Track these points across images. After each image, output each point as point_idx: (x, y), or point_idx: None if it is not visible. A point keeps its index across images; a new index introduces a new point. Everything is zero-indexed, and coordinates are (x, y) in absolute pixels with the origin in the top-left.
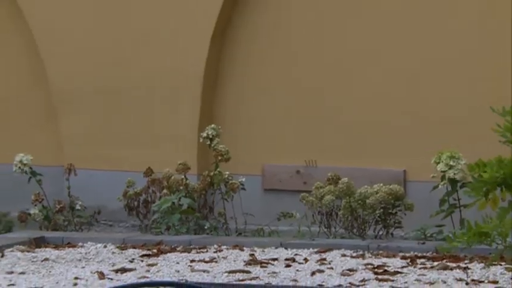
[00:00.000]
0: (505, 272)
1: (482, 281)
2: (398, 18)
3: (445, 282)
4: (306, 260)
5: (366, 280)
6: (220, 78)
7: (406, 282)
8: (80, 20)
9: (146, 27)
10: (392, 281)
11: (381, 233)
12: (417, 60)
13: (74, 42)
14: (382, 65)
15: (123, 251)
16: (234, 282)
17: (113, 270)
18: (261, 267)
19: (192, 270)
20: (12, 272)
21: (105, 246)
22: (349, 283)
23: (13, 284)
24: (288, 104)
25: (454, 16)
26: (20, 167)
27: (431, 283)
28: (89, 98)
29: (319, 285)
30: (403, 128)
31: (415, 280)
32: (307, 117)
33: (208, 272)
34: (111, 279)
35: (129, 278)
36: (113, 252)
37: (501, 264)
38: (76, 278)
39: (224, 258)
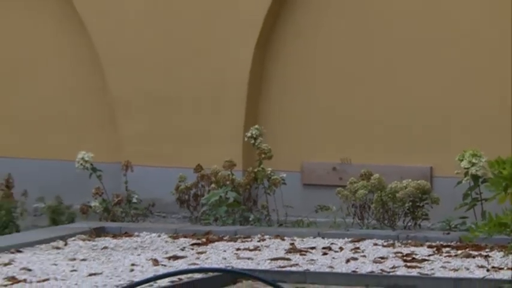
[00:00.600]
0: None
1: (502, 268)
2: (428, 25)
3: (467, 269)
4: (341, 248)
5: (396, 267)
6: (263, 82)
7: (432, 269)
8: (136, 30)
9: (195, 35)
10: (420, 268)
11: (409, 224)
12: (447, 68)
13: (130, 51)
14: (414, 70)
15: (175, 240)
16: (276, 269)
17: (166, 258)
18: (300, 255)
19: (238, 258)
20: (74, 259)
21: (158, 236)
22: (381, 270)
23: (75, 270)
24: (325, 105)
25: (481, 24)
26: (82, 164)
27: (455, 270)
28: (144, 102)
29: (353, 271)
30: (430, 129)
31: (441, 267)
32: (343, 118)
33: (252, 259)
34: (165, 265)
35: (181, 265)
36: (166, 241)
37: None
38: (132, 265)
39: (267, 246)
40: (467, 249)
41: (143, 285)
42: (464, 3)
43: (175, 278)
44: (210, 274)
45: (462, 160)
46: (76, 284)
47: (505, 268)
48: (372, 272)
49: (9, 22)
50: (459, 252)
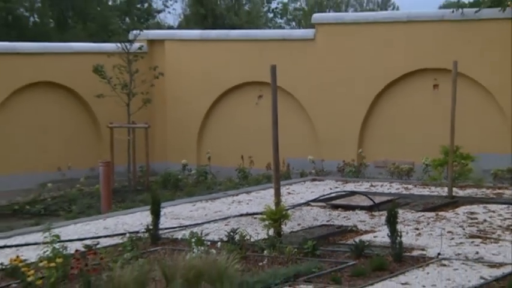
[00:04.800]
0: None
1: (437, 191)
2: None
3: (426, 192)
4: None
5: (401, 191)
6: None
7: (413, 192)
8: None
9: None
10: (410, 191)
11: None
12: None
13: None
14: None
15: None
16: (395, 192)
17: (337, 187)
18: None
19: (373, 187)
20: (308, 187)
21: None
22: (401, 192)
23: (308, 190)
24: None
25: None
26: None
27: (422, 192)
28: (334, 142)
29: (396, 193)
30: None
31: (416, 192)
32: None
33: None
34: (336, 188)
35: (341, 189)
36: (336, 183)
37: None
38: (324, 189)
39: (381, 186)
40: (426, 186)
41: (326, 195)
42: None
43: (337, 194)
44: (354, 194)
45: (423, 159)
46: (329, 196)
47: (437, 193)
48: (396, 192)
49: None
50: (422, 187)
